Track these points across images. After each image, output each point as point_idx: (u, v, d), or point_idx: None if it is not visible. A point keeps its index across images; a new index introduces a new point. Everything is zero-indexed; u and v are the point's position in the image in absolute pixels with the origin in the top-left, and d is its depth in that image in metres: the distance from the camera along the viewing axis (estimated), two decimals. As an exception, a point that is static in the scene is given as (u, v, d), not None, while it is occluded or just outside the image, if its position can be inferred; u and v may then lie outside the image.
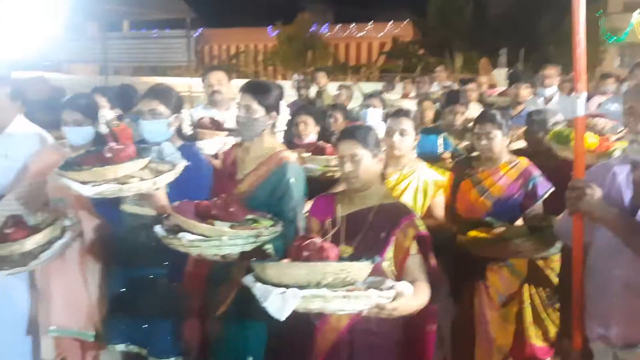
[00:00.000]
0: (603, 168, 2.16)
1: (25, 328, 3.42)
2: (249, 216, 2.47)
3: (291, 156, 2.79)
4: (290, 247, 2.09)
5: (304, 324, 2.29)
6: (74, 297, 3.18)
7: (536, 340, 3.61)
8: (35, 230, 2.75)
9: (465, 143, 4.50)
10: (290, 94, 6.90)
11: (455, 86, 7.87)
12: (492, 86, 10.03)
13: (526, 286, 3.36)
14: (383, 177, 2.61)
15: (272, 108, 2.78)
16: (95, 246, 3.16)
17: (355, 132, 2.51)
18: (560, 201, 3.27)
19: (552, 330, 3.59)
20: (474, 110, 5.57)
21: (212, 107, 4.42)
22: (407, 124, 3.27)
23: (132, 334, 2.93)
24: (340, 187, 2.96)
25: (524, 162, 3.37)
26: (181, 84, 14.99)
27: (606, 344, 2.04)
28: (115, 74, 19.11)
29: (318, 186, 3.19)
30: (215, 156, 3.45)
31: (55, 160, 3.22)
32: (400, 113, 3.39)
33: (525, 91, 5.22)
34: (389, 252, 2.40)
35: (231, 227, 2.31)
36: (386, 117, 3.93)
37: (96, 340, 3.22)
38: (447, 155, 4.19)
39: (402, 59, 21.87)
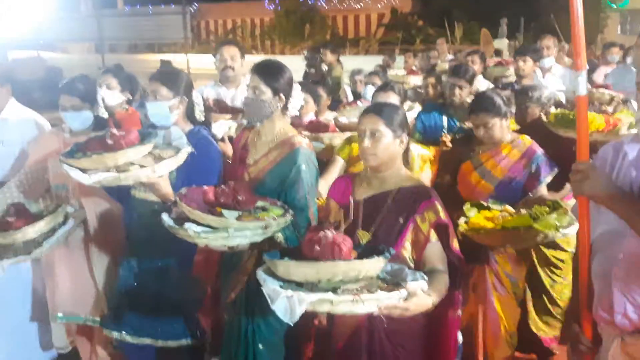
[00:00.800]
0: (614, 147, 2.07)
1: (35, 315, 3.45)
2: (259, 204, 2.40)
3: (303, 141, 2.71)
4: (303, 240, 2.03)
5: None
6: (80, 284, 3.17)
7: (542, 331, 3.63)
8: (37, 217, 2.71)
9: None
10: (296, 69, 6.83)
11: (459, 59, 7.77)
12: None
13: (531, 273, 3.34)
14: (406, 160, 2.50)
15: (280, 90, 2.69)
16: (101, 232, 3.12)
17: (381, 108, 2.41)
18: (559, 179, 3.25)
19: (557, 322, 3.61)
20: (481, 84, 5.51)
21: (223, 84, 4.32)
22: (393, 98, 3.31)
23: (142, 322, 2.90)
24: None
25: (526, 140, 3.25)
26: (178, 61, 14.90)
27: (613, 329, 2.01)
28: (110, 52, 18.96)
29: (322, 166, 3.15)
30: (222, 140, 3.39)
31: (55, 146, 3.21)
32: (387, 87, 3.38)
33: (529, 65, 5.13)
34: (408, 238, 2.32)
35: (239, 216, 2.25)
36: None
37: (102, 326, 3.19)
38: (446, 138, 3.99)
39: (402, 31, 21.59)
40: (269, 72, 2.69)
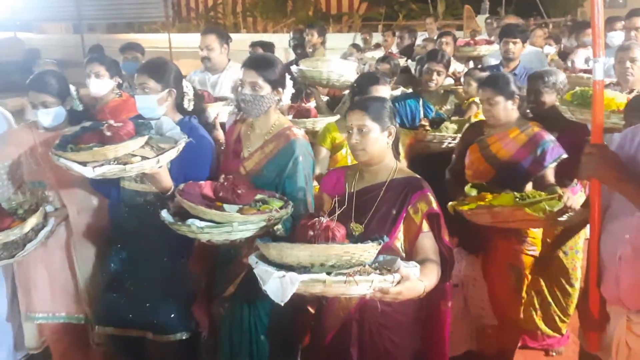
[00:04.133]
0: (632, 132, 2.10)
1: (5, 316, 3.36)
2: (258, 196, 2.41)
3: (299, 133, 2.70)
4: (297, 226, 2.04)
5: (312, 303, 2.28)
6: (60, 283, 3.11)
7: (544, 327, 3.66)
8: (18, 219, 2.69)
9: (447, 107, 4.22)
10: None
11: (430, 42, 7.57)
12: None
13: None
14: (397, 150, 2.52)
15: (277, 83, 2.67)
16: (85, 228, 3.06)
17: (366, 103, 2.42)
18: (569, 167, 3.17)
19: (559, 318, 3.62)
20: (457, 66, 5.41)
21: (206, 71, 4.37)
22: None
23: (132, 315, 2.87)
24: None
25: (535, 127, 3.21)
26: (161, 40, 14.67)
27: (620, 307, 2.05)
28: (89, 32, 18.60)
29: None
30: (214, 126, 3.37)
31: (28, 141, 3.08)
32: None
33: (518, 47, 4.94)
34: (401, 229, 2.34)
35: (240, 210, 2.25)
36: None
37: (86, 324, 3.16)
38: (424, 122, 3.94)
39: (384, 7, 21.42)
40: (265, 66, 2.64)
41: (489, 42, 6.59)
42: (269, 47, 5.67)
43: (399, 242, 2.34)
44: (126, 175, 2.48)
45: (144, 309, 2.84)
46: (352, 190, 2.42)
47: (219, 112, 3.64)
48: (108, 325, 2.93)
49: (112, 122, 2.44)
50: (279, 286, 1.83)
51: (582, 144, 2.05)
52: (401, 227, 2.34)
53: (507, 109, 3.17)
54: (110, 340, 3.04)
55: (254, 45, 5.79)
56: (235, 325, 2.72)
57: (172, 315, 2.85)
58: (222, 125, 3.52)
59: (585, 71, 4.92)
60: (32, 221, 2.69)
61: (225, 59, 4.43)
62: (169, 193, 2.56)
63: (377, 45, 8.84)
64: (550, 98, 3.48)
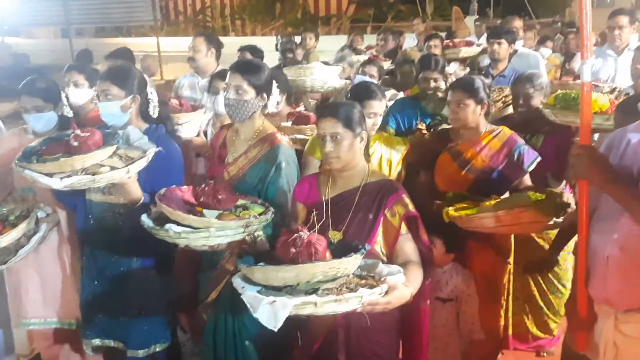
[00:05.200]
0: (618, 135, 2.12)
1: None
2: (239, 202, 2.39)
3: (283, 138, 2.69)
4: (277, 243, 2.01)
5: None
6: (52, 288, 3.09)
7: (535, 330, 3.65)
8: (10, 225, 2.66)
9: (445, 112, 3.96)
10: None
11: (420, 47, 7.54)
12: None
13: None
14: (368, 155, 2.49)
15: (263, 89, 2.65)
16: (74, 235, 3.04)
17: (337, 110, 2.37)
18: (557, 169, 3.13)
19: (551, 321, 3.61)
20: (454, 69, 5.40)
21: (195, 74, 4.39)
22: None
23: (109, 327, 2.84)
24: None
25: (506, 130, 3.20)
26: (149, 44, 14.62)
27: (608, 307, 2.07)
28: (77, 36, 18.52)
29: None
30: (198, 135, 3.34)
31: (17, 147, 2.99)
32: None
33: (504, 48, 4.90)
34: (380, 233, 2.33)
35: (220, 215, 2.24)
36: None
37: (77, 329, 3.13)
38: (421, 125, 3.83)
39: (373, 8, 21.43)
40: (250, 71, 2.64)
41: (468, 44, 6.58)
42: (257, 52, 5.66)
43: (379, 245, 2.34)
44: (95, 186, 2.42)
45: (119, 323, 2.80)
46: (326, 198, 2.40)
47: (203, 120, 3.63)
48: (93, 337, 2.90)
49: (78, 131, 2.38)
50: (270, 312, 1.79)
51: (569, 146, 2.08)
52: (379, 231, 2.33)
53: (475, 114, 3.13)
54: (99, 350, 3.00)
55: (242, 50, 5.79)
56: (218, 332, 2.70)
57: (146, 329, 2.79)
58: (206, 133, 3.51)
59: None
60: (23, 227, 2.67)
61: (214, 62, 4.43)
62: (139, 204, 2.51)
63: (369, 48, 8.84)
64: (537, 100, 3.49)
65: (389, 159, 3.23)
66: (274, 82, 2.74)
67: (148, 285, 2.77)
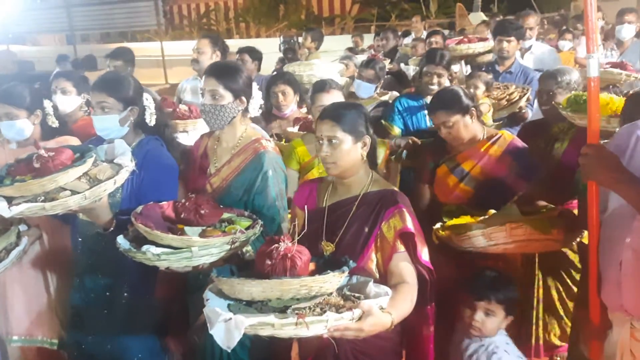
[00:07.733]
0: (627, 131, 2.01)
1: None
2: (224, 216, 2.21)
3: (268, 144, 2.54)
4: (256, 253, 1.84)
5: None
6: (35, 305, 2.96)
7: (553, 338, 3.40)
8: None
9: None
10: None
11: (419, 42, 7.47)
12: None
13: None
14: (374, 162, 2.29)
15: (240, 92, 2.50)
16: (56, 250, 2.90)
17: (338, 112, 2.18)
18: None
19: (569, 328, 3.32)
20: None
21: (199, 78, 4.31)
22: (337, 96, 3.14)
23: (96, 351, 2.63)
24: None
25: (506, 136, 2.93)
26: (153, 48, 14.64)
27: (622, 314, 1.98)
28: (82, 42, 18.59)
29: None
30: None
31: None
32: (326, 87, 3.20)
33: (513, 45, 4.70)
34: (374, 248, 2.13)
35: (203, 232, 2.05)
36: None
37: (59, 349, 2.99)
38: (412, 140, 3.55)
39: (376, 7, 21.40)
40: (226, 75, 2.49)
41: (482, 39, 6.45)
42: (256, 53, 5.46)
43: (373, 263, 2.14)
44: (49, 214, 2.14)
45: (106, 346, 2.62)
46: (324, 205, 2.24)
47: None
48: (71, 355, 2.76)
49: (42, 151, 2.13)
50: (224, 331, 1.62)
51: None
52: (374, 246, 2.13)
53: (468, 125, 2.85)
54: None
55: (240, 51, 5.59)
56: (207, 357, 2.52)
57: (134, 351, 2.59)
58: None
59: (615, 65, 4.33)
60: (2, 240, 2.50)
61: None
62: (111, 229, 2.30)
63: (370, 47, 8.79)
64: (561, 98, 3.14)
65: None
66: (254, 84, 2.61)
67: (138, 308, 2.56)
